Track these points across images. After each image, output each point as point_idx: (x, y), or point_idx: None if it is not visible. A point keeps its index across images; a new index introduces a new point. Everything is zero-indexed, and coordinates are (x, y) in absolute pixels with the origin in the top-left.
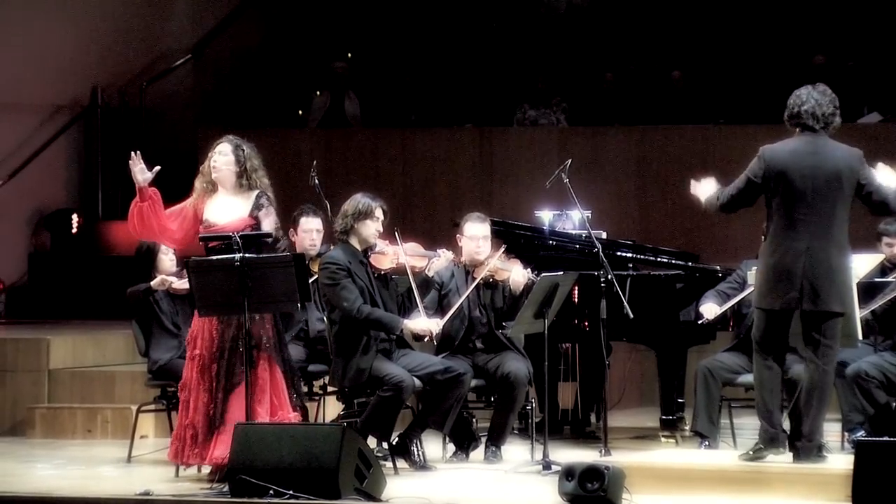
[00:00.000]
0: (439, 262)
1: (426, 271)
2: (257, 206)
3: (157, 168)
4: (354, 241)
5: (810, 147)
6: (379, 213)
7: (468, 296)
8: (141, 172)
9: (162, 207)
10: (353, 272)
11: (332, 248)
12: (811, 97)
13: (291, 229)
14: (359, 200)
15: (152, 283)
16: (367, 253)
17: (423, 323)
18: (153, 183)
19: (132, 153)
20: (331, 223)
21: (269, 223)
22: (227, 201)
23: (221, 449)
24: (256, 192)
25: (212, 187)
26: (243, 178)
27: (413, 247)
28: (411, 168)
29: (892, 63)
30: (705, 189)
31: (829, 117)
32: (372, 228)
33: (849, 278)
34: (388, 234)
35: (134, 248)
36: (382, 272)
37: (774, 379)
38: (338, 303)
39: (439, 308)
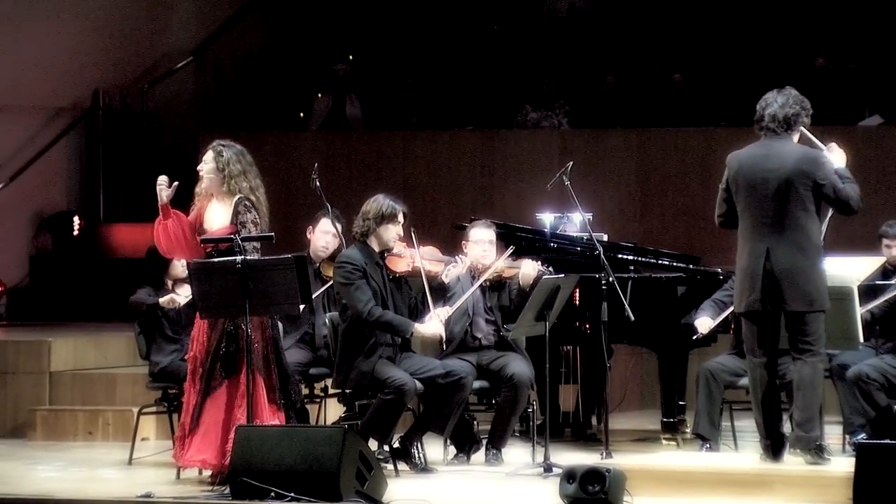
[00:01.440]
0: (456, 269)
1: (442, 277)
2: (235, 213)
3: (176, 183)
4: (373, 243)
5: (765, 150)
6: (401, 217)
7: (473, 294)
8: (167, 192)
9: (188, 224)
10: (369, 273)
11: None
12: (775, 101)
13: (310, 227)
14: (382, 203)
15: (161, 300)
16: (384, 255)
17: (433, 327)
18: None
19: (160, 177)
20: (333, 224)
21: (251, 228)
22: (216, 208)
23: (192, 452)
24: (236, 198)
25: (208, 192)
26: (224, 185)
27: (430, 251)
28: (413, 170)
29: (894, 66)
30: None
31: (792, 118)
32: (393, 233)
33: (816, 278)
34: (405, 235)
35: (135, 251)
36: (398, 274)
37: (761, 384)
38: (350, 302)
39: None
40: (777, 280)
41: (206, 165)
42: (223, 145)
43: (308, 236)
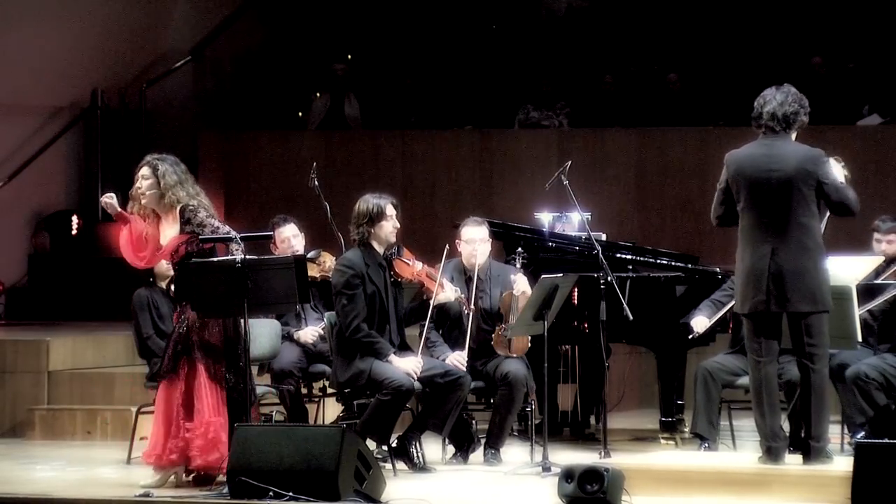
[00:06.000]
0: (442, 297)
1: (426, 298)
2: (185, 222)
3: (111, 196)
4: (375, 244)
5: (766, 150)
6: (390, 209)
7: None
8: (114, 207)
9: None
10: (369, 277)
11: (319, 250)
12: (773, 98)
13: (272, 244)
14: (369, 203)
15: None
16: (391, 255)
17: (408, 364)
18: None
19: (103, 198)
20: (330, 224)
21: (207, 230)
22: (167, 226)
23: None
24: (179, 207)
25: (147, 210)
26: (165, 198)
27: (432, 271)
28: (411, 170)
29: (892, 64)
30: None
31: (791, 117)
32: (388, 227)
33: (820, 278)
34: (432, 259)
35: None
36: (400, 279)
37: (764, 385)
38: (339, 311)
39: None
40: (782, 280)
41: (145, 182)
42: (157, 159)
43: (273, 251)
